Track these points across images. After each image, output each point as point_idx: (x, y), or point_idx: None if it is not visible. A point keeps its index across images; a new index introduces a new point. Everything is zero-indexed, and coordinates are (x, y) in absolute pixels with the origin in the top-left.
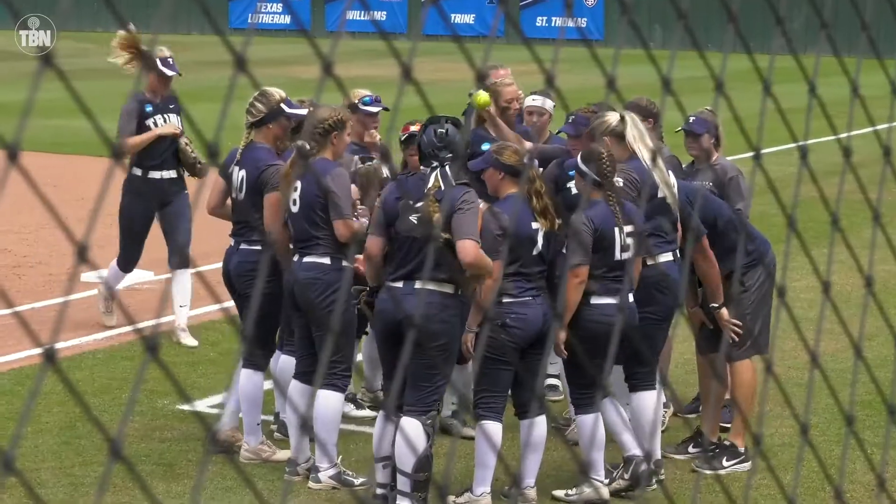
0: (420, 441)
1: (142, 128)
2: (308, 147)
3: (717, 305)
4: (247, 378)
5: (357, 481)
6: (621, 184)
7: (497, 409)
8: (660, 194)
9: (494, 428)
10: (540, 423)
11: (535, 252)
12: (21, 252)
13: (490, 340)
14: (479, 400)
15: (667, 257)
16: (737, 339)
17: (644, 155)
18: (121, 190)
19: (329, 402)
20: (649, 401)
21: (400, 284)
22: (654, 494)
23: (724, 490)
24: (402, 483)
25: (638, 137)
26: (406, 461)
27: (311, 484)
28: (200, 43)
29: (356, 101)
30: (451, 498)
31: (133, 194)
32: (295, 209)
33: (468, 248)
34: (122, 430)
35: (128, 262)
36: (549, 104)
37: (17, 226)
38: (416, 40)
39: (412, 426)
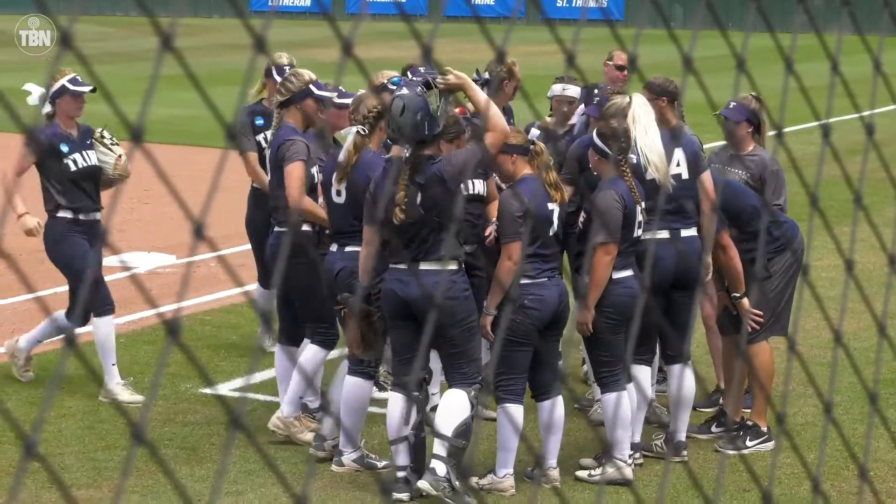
0: (463, 409)
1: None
2: (363, 133)
3: (738, 296)
4: (288, 356)
5: (380, 464)
6: (634, 161)
7: (518, 391)
8: (648, 176)
9: (516, 410)
10: (559, 404)
11: (551, 232)
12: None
13: (509, 322)
14: (498, 382)
15: (690, 232)
16: (757, 326)
17: (642, 135)
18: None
19: (359, 388)
20: (646, 374)
21: (403, 267)
22: (679, 474)
23: (748, 469)
24: (438, 447)
25: (638, 118)
26: (446, 426)
27: (333, 467)
28: (222, 26)
29: (385, 82)
30: (475, 479)
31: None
32: (340, 200)
33: None
34: (146, 415)
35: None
36: (576, 91)
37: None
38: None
39: (457, 395)
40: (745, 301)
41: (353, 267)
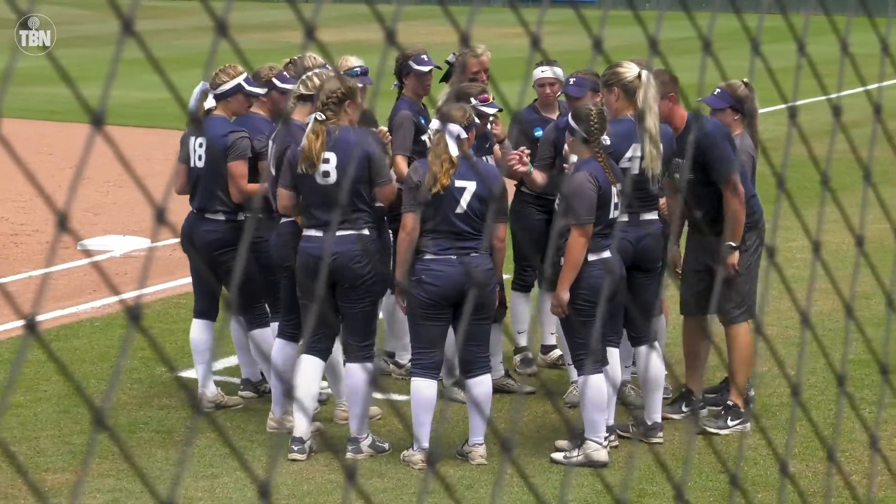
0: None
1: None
2: (325, 117)
3: (734, 245)
4: (279, 348)
5: (386, 445)
6: (608, 142)
7: (425, 364)
8: (623, 164)
9: (419, 385)
10: (483, 382)
11: (458, 210)
12: (18, 220)
13: (411, 297)
14: (412, 356)
15: (651, 216)
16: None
17: (646, 117)
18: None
19: (362, 375)
20: (615, 358)
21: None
22: (655, 455)
23: (714, 452)
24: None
25: (646, 100)
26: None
27: (350, 454)
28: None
29: (343, 71)
30: (403, 454)
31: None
32: (328, 181)
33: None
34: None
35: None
36: (558, 72)
37: (13, 194)
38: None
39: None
40: (737, 254)
41: (350, 252)
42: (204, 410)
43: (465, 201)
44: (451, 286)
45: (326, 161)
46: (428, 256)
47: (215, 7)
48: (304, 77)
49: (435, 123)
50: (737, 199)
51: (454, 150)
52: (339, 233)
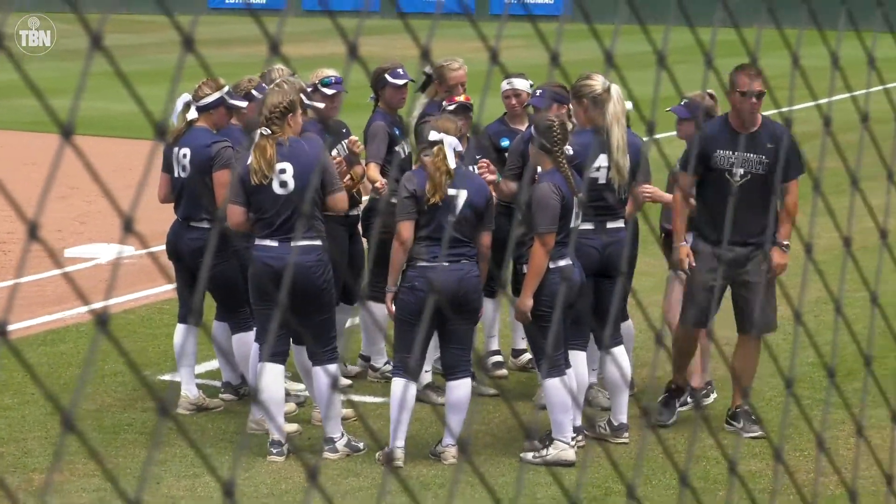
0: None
1: None
2: (271, 131)
3: (787, 244)
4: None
5: (361, 445)
6: (570, 153)
7: (407, 367)
8: (592, 174)
9: (397, 385)
10: (463, 385)
11: (450, 218)
12: (5, 229)
13: (402, 303)
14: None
15: (616, 224)
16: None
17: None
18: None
19: (325, 378)
20: (581, 361)
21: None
22: (621, 454)
23: (664, 451)
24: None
25: (614, 114)
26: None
27: (327, 454)
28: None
29: (316, 82)
30: (377, 454)
31: None
32: (284, 191)
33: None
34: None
35: None
36: (521, 84)
37: (2, 204)
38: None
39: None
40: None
41: (306, 262)
42: (169, 413)
43: (457, 209)
44: (444, 292)
45: (283, 171)
46: (421, 264)
47: (183, 21)
48: (270, 88)
49: (434, 135)
50: (791, 197)
51: (452, 162)
52: (297, 242)
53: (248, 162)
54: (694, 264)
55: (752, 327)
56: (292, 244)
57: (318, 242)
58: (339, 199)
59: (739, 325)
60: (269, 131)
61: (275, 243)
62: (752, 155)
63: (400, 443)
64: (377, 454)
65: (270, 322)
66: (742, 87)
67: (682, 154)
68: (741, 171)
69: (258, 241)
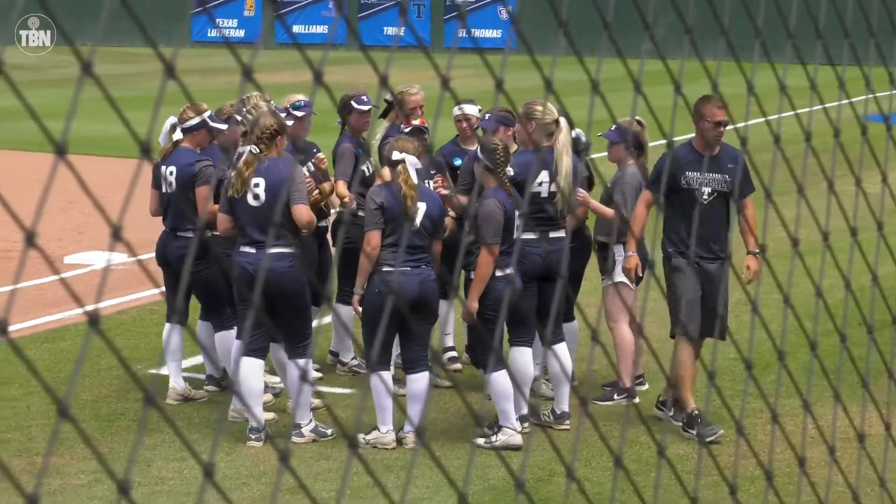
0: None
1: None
2: (259, 150)
3: (758, 251)
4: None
5: (329, 431)
6: (511, 173)
7: (386, 361)
8: (534, 188)
9: (386, 375)
10: (421, 378)
11: (412, 228)
12: (12, 238)
13: (369, 305)
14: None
15: (558, 234)
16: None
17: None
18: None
19: (296, 371)
20: (527, 356)
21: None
22: (564, 440)
23: (601, 436)
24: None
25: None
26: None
27: (294, 439)
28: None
29: (287, 106)
30: (361, 435)
31: None
32: (257, 203)
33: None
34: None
35: None
36: (471, 109)
37: (5, 216)
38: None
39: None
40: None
41: (280, 267)
42: (155, 402)
43: (418, 220)
44: (406, 294)
45: (257, 185)
46: (386, 268)
47: (166, 53)
48: (243, 113)
49: (396, 155)
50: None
51: (415, 178)
52: (270, 250)
53: (232, 174)
54: (641, 274)
55: (722, 334)
56: (267, 251)
57: (290, 250)
58: (299, 211)
59: (708, 332)
60: (258, 150)
61: (252, 250)
62: (717, 175)
63: (389, 425)
64: (364, 437)
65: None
66: (711, 117)
67: (651, 174)
68: (708, 189)
69: (240, 248)
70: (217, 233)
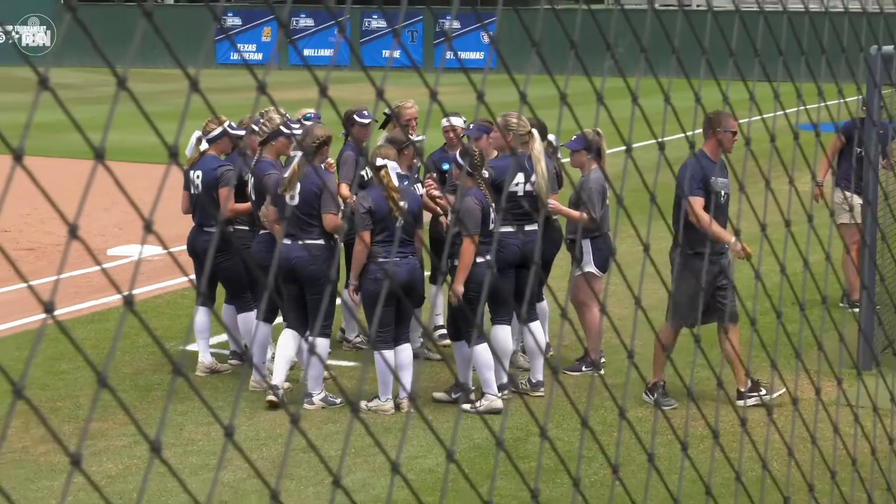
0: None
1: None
2: (308, 157)
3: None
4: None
5: (338, 400)
6: (487, 175)
7: (387, 339)
8: (512, 188)
9: (388, 354)
10: (406, 349)
11: (398, 224)
12: (61, 232)
13: (368, 291)
14: (376, 334)
15: (532, 227)
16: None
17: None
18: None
19: (323, 346)
20: (506, 332)
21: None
22: (538, 405)
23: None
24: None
25: (539, 152)
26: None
27: (305, 405)
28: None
29: (300, 117)
30: (364, 402)
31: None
32: (293, 203)
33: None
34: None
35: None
36: (457, 121)
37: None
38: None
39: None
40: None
41: (308, 257)
42: (182, 373)
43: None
44: (398, 281)
45: (294, 188)
46: (380, 259)
47: (192, 72)
48: (259, 124)
49: (379, 161)
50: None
51: (396, 181)
52: (298, 242)
53: (286, 175)
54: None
55: (733, 319)
56: (299, 242)
57: (320, 241)
58: (326, 219)
59: (721, 319)
60: (307, 157)
61: (287, 241)
62: (727, 179)
63: (389, 395)
64: (367, 404)
65: (291, 301)
66: (730, 128)
67: (692, 182)
68: (724, 192)
69: (283, 239)
70: (238, 227)
